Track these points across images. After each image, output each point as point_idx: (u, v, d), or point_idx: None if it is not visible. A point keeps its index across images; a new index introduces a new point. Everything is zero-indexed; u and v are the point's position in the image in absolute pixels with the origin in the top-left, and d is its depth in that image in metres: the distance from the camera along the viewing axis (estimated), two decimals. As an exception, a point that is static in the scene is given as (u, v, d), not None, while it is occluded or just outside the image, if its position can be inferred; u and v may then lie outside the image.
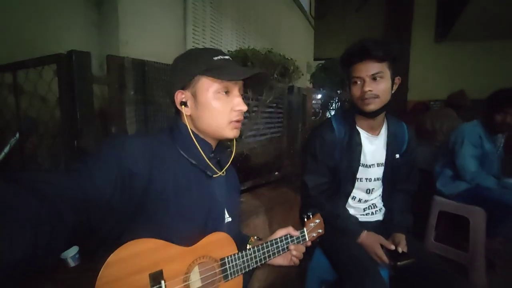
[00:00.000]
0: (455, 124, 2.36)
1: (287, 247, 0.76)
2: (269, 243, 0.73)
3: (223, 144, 0.75)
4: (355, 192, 1.12)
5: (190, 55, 0.67)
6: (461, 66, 4.55)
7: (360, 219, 1.13)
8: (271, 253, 0.73)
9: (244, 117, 1.86)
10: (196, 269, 0.59)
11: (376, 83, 0.97)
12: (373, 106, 0.99)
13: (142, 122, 1.05)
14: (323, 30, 5.30)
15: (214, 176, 0.68)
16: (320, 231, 0.85)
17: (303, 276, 1.22)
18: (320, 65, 2.79)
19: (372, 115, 1.02)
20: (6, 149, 1.24)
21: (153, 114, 1.07)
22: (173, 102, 0.66)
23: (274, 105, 2.11)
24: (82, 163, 0.50)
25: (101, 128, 1.13)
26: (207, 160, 0.66)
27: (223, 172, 0.71)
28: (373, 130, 1.09)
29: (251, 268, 0.68)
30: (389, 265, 0.96)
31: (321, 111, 2.75)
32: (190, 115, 0.66)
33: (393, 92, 1.03)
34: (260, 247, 0.71)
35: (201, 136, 0.68)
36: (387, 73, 0.98)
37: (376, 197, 1.16)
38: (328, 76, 2.67)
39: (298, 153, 2.00)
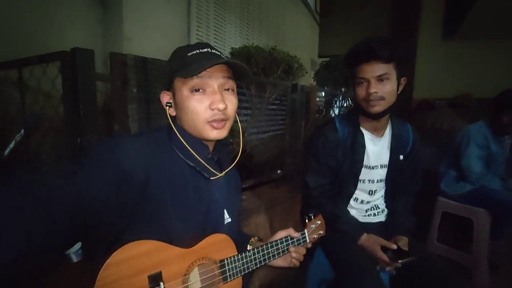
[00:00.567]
0: (456, 124, 2.33)
1: (287, 249, 0.76)
2: (269, 245, 0.73)
3: (222, 144, 0.72)
4: (357, 193, 1.12)
5: (172, 54, 0.65)
6: (468, 65, 4.47)
7: (362, 220, 1.13)
8: (271, 254, 0.72)
9: (247, 114, 1.86)
10: (195, 270, 0.59)
11: (382, 84, 0.95)
12: (378, 108, 0.97)
13: (145, 119, 1.05)
14: (328, 27, 5.24)
15: (212, 178, 0.66)
16: (321, 232, 0.85)
17: (303, 275, 1.23)
18: (324, 62, 2.76)
19: (377, 116, 1.01)
20: (12, 145, 1.25)
21: (155, 112, 1.07)
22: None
23: (278, 102, 2.10)
24: (78, 164, 0.49)
25: (104, 125, 1.14)
26: (203, 162, 0.64)
27: (222, 174, 0.69)
28: (377, 131, 1.08)
29: (250, 269, 0.68)
30: (390, 265, 0.95)
31: (324, 109, 2.73)
32: (175, 116, 0.65)
33: (398, 93, 1.01)
34: (260, 248, 0.71)
35: (194, 136, 0.65)
36: (393, 74, 0.96)
37: (378, 198, 1.15)
38: (332, 74, 2.64)
39: (301, 152, 1.99)
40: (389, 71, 0.95)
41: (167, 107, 0.64)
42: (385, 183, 1.13)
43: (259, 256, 0.70)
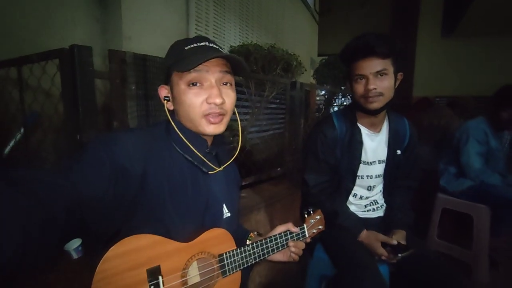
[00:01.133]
0: (453, 122, 2.34)
1: (286, 244, 0.76)
2: (268, 239, 0.73)
3: (221, 139, 0.72)
4: (356, 189, 1.12)
5: (170, 48, 0.65)
6: (468, 62, 4.47)
7: (361, 216, 1.13)
8: (270, 249, 0.73)
9: (247, 113, 1.87)
10: (194, 264, 0.59)
11: (380, 80, 0.95)
12: (377, 104, 0.97)
13: (144, 116, 1.06)
14: (327, 25, 5.23)
15: (210, 172, 0.66)
16: (320, 227, 0.85)
17: (304, 271, 1.23)
18: (324, 60, 2.76)
19: (375, 112, 1.01)
20: (12, 143, 1.26)
21: (154, 109, 1.08)
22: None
23: (277, 101, 2.10)
24: (74, 160, 0.49)
25: (103, 123, 1.14)
26: (201, 156, 0.64)
27: (219, 168, 0.69)
28: (375, 127, 1.08)
29: (249, 264, 0.68)
30: (390, 259, 0.96)
31: (324, 107, 2.73)
32: (173, 110, 0.65)
33: (395, 88, 1.01)
34: (259, 243, 0.71)
35: (193, 131, 0.64)
36: (391, 70, 0.96)
37: (377, 194, 1.15)
38: (332, 71, 2.64)
39: (300, 149, 2.00)
40: (387, 67, 0.94)
41: (165, 101, 0.64)
42: (383, 178, 1.13)
43: (258, 251, 0.70)
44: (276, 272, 1.59)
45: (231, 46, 2.06)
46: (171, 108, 0.64)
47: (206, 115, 0.60)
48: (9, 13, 1.33)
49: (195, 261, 0.59)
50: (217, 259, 0.63)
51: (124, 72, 1.00)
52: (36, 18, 1.42)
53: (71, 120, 0.90)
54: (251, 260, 0.68)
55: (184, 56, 0.59)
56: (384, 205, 1.17)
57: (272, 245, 0.73)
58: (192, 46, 0.61)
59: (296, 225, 0.80)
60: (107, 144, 0.52)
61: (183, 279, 0.57)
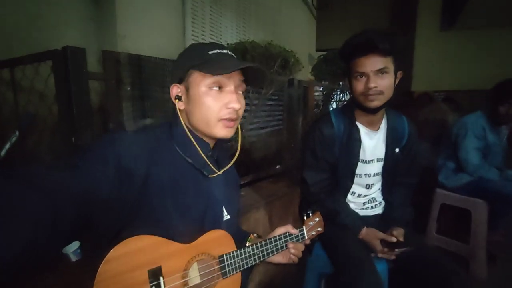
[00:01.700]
0: (448, 117, 2.33)
1: (286, 245, 0.76)
2: (267, 241, 0.73)
3: (222, 143, 0.73)
4: (355, 188, 1.12)
5: (189, 49, 0.66)
6: (467, 56, 4.44)
7: (359, 213, 1.13)
8: (269, 251, 0.73)
9: (244, 111, 1.85)
10: (194, 266, 0.59)
11: (381, 78, 0.93)
12: (377, 102, 0.96)
13: (139, 117, 1.05)
14: (325, 21, 5.18)
15: (210, 176, 0.67)
16: (319, 229, 0.86)
17: (303, 268, 1.23)
18: (322, 56, 2.73)
19: (374, 111, 1.00)
20: (7, 146, 1.25)
21: (150, 110, 1.07)
22: (169, 96, 0.65)
23: (275, 98, 2.08)
24: (80, 158, 0.50)
25: (99, 124, 1.13)
26: (205, 158, 0.65)
27: (219, 171, 0.69)
28: (373, 125, 1.07)
29: (249, 265, 0.68)
30: (388, 256, 0.96)
31: (323, 103, 2.71)
32: (184, 110, 0.65)
33: (395, 86, 1.00)
34: (258, 245, 0.71)
35: (198, 134, 0.66)
36: (391, 68, 0.94)
37: (375, 191, 1.15)
38: (330, 67, 2.62)
39: (299, 147, 1.99)
40: (388, 65, 0.93)
41: (176, 100, 0.64)
42: (382, 176, 1.13)
43: (257, 252, 0.70)
44: (275, 270, 1.60)
45: (227, 44, 2.03)
46: (182, 107, 0.64)
47: (223, 119, 0.62)
48: (1, 13, 1.31)
49: (196, 262, 0.60)
50: (217, 260, 0.63)
51: (118, 73, 0.99)
52: (27, 17, 1.40)
53: (66, 122, 0.89)
54: (251, 262, 0.68)
55: (210, 60, 0.61)
56: (383, 202, 1.17)
57: (271, 247, 0.74)
58: (215, 51, 0.62)
59: (295, 225, 0.80)
60: (113, 144, 0.53)
61: (184, 280, 0.57)
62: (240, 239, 0.76)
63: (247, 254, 0.68)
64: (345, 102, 2.76)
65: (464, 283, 0.88)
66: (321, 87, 2.75)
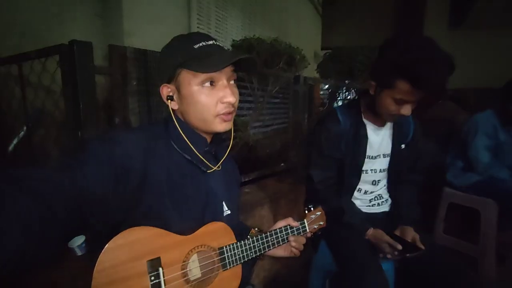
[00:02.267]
0: (459, 116, 2.29)
1: (287, 238, 0.76)
2: (268, 234, 0.73)
3: (220, 136, 0.71)
4: (361, 184, 1.10)
5: (171, 45, 0.62)
6: (475, 55, 4.36)
7: (366, 211, 1.12)
8: (270, 243, 0.72)
9: (250, 108, 1.85)
10: (194, 257, 0.59)
11: (415, 104, 0.90)
12: (396, 121, 0.97)
13: (145, 112, 1.05)
14: (331, 18, 5.13)
15: (208, 171, 0.66)
16: (321, 223, 0.84)
17: (308, 265, 1.23)
18: (328, 54, 2.71)
19: None
20: (15, 141, 1.27)
21: (156, 104, 1.07)
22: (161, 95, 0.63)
23: (280, 95, 2.07)
24: (74, 159, 0.49)
25: (105, 119, 1.14)
26: (200, 155, 0.64)
27: (218, 167, 0.69)
28: (379, 122, 1.06)
29: (249, 258, 0.68)
30: (397, 257, 0.94)
31: (328, 101, 2.69)
32: (178, 109, 0.63)
33: None
34: (259, 237, 0.71)
35: (194, 130, 0.65)
36: None
37: (381, 188, 1.14)
38: (336, 65, 2.60)
39: (304, 144, 1.98)
40: None
41: (169, 100, 0.62)
42: (388, 172, 1.11)
43: (258, 245, 0.70)
44: (280, 267, 1.59)
45: (233, 41, 2.03)
46: (176, 107, 0.63)
47: (220, 115, 0.61)
48: (9, 9, 1.33)
49: (195, 254, 0.59)
50: (217, 252, 0.63)
51: (125, 68, 0.99)
52: (36, 13, 1.42)
53: (72, 117, 0.90)
54: (251, 254, 0.68)
55: (198, 56, 0.58)
56: (389, 199, 1.15)
57: (272, 239, 0.73)
58: (201, 44, 0.59)
59: (299, 221, 0.80)
60: (108, 143, 0.53)
61: (183, 271, 0.57)
62: (241, 233, 0.75)
63: (247, 247, 0.68)
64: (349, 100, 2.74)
65: (473, 283, 0.86)
66: (327, 85, 2.73)
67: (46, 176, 0.43)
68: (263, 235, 0.72)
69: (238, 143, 1.68)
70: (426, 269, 0.93)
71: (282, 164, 1.95)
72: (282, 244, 0.75)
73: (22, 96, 1.08)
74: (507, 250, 1.77)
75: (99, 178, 0.48)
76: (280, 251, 0.77)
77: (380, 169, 1.09)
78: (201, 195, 0.65)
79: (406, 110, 0.88)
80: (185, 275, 0.57)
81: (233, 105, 0.62)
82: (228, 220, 0.69)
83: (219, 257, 0.63)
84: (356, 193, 1.12)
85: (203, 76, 0.58)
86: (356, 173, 1.08)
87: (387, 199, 1.15)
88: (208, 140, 0.67)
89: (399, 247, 0.89)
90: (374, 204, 1.13)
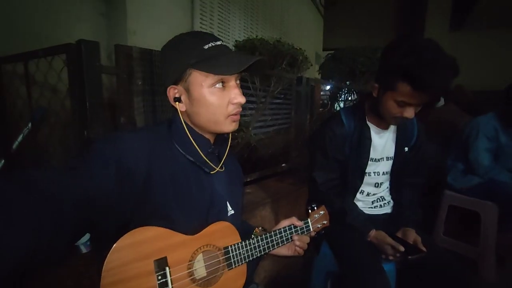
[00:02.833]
0: (460, 118, 2.29)
1: (291, 237, 0.76)
2: (272, 233, 0.74)
3: (223, 137, 0.72)
4: (364, 186, 1.11)
5: (179, 44, 0.60)
6: (477, 57, 4.37)
7: (368, 212, 1.12)
8: (274, 242, 0.73)
9: (252, 108, 1.86)
10: (200, 257, 0.60)
11: (418, 108, 0.90)
12: (399, 124, 0.98)
13: (150, 112, 1.05)
14: (332, 19, 5.14)
15: (212, 172, 0.66)
16: (325, 222, 0.85)
17: (309, 266, 1.23)
18: (329, 55, 2.72)
19: None
20: (20, 138, 1.27)
21: (161, 104, 1.07)
22: (167, 97, 0.63)
23: (282, 96, 2.08)
24: (80, 160, 0.49)
25: (110, 118, 1.14)
26: (204, 157, 0.64)
27: (221, 168, 0.69)
28: (383, 124, 1.06)
29: (254, 257, 0.68)
30: (399, 259, 0.95)
31: (329, 102, 2.70)
32: (185, 111, 0.62)
33: None
34: (263, 236, 0.71)
35: (198, 131, 0.65)
36: None
37: (384, 190, 1.14)
38: (338, 66, 2.60)
39: (306, 145, 1.99)
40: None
41: (176, 102, 0.61)
42: (390, 175, 1.12)
43: (262, 244, 0.71)
44: (281, 267, 1.60)
45: (236, 41, 2.04)
46: (184, 109, 0.62)
47: (230, 115, 0.61)
48: (14, 8, 1.33)
49: (201, 253, 0.60)
50: (223, 251, 0.63)
51: (130, 67, 1.00)
52: (41, 13, 1.42)
53: (78, 116, 0.90)
54: (256, 253, 0.69)
55: (212, 57, 0.57)
56: (391, 201, 1.16)
57: (276, 239, 0.74)
58: (210, 45, 0.58)
59: (302, 220, 0.80)
60: (113, 144, 0.53)
61: (189, 271, 0.58)
62: (245, 232, 0.76)
63: (252, 246, 0.68)
64: (352, 101, 2.74)
65: (473, 286, 0.87)
66: (328, 86, 2.74)
67: (53, 177, 0.43)
68: (268, 234, 0.73)
69: (240, 143, 1.68)
70: (427, 271, 0.93)
71: (283, 165, 1.96)
72: (286, 243, 0.76)
73: (27, 94, 1.09)
74: (507, 252, 1.78)
75: (105, 179, 0.48)
76: (284, 250, 0.78)
77: (383, 172, 1.10)
78: (205, 196, 0.65)
79: (409, 113, 0.88)
80: (191, 274, 0.58)
81: (241, 105, 0.62)
82: (232, 220, 0.69)
83: (225, 257, 0.63)
84: (358, 195, 1.12)
85: (215, 77, 0.58)
86: (359, 175, 1.08)
87: (389, 201, 1.16)
88: (211, 141, 0.68)
89: (402, 248, 0.90)
90: (376, 206, 1.14)
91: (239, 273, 0.66)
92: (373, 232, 1.01)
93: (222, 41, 0.62)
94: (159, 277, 0.53)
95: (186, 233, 0.59)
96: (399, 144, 1.08)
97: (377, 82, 0.96)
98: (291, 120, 2.06)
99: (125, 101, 1.01)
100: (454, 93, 2.59)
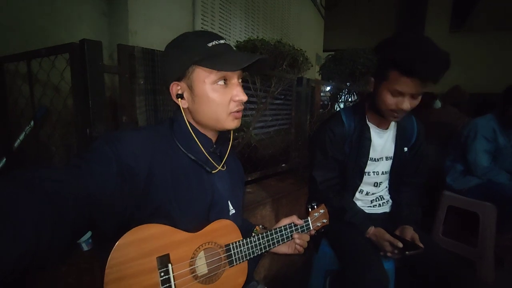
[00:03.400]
0: (457, 120, 2.31)
1: (291, 236, 0.77)
2: (273, 231, 0.74)
3: (225, 136, 0.72)
4: (363, 186, 1.12)
5: (183, 42, 0.61)
6: (477, 58, 4.38)
7: (367, 211, 1.13)
8: (275, 240, 0.74)
9: (252, 109, 1.86)
10: (201, 254, 0.61)
11: (414, 100, 0.90)
12: (398, 119, 0.97)
13: (152, 111, 1.06)
14: (333, 21, 5.16)
15: (213, 171, 0.67)
16: (324, 220, 0.86)
17: (308, 264, 1.24)
18: (330, 56, 2.73)
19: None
20: (21, 137, 1.28)
21: (163, 103, 1.08)
22: (169, 94, 0.63)
23: (282, 96, 2.09)
24: (81, 159, 0.49)
25: (112, 117, 1.15)
26: (207, 155, 0.64)
27: (223, 167, 0.69)
28: (383, 124, 1.07)
29: (255, 254, 0.69)
30: (396, 256, 0.96)
31: (329, 103, 2.71)
32: (187, 108, 0.63)
33: None
34: (264, 234, 0.72)
35: (201, 130, 0.65)
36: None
37: (383, 190, 1.15)
38: (338, 67, 2.62)
39: (306, 145, 2.00)
40: (425, 88, 0.88)
41: (179, 99, 0.61)
42: (390, 174, 1.13)
43: (263, 242, 0.71)
44: (280, 266, 1.61)
45: (237, 41, 2.05)
46: (186, 106, 0.62)
47: (232, 112, 0.62)
48: (16, 8, 1.34)
49: (203, 251, 0.61)
50: (224, 249, 0.64)
51: (132, 67, 1.01)
52: (43, 12, 1.43)
53: (81, 114, 0.91)
54: (257, 251, 0.70)
55: (216, 53, 0.58)
56: (390, 201, 1.17)
57: (277, 237, 0.75)
58: (214, 43, 0.59)
59: (302, 219, 0.81)
60: (114, 143, 0.52)
61: (191, 268, 0.58)
62: (246, 230, 0.77)
63: (253, 244, 0.69)
64: (352, 103, 2.76)
65: (472, 286, 0.87)
66: (329, 87, 2.75)
67: (54, 175, 0.43)
68: (268, 232, 0.73)
69: (240, 143, 1.69)
70: (426, 269, 0.94)
71: (284, 165, 1.97)
72: (287, 241, 0.77)
73: (30, 93, 1.09)
74: (506, 253, 1.79)
75: (107, 178, 0.49)
76: (284, 248, 0.78)
77: (383, 172, 1.11)
78: (207, 196, 0.65)
79: (404, 104, 0.89)
80: (193, 271, 0.59)
81: (243, 103, 0.63)
82: (233, 219, 0.70)
83: (226, 254, 0.64)
84: (357, 194, 1.13)
85: (218, 74, 0.59)
86: (358, 175, 1.09)
87: (388, 200, 1.17)
88: (213, 140, 0.68)
89: (400, 244, 0.91)
90: (375, 205, 1.15)
91: (240, 270, 0.67)
92: (372, 229, 1.02)
93: (226, 40, 0.63)
94: (162, 274, 0.54)
95: (188, 232, 0.59)
96: (398, 144, 1.09)
97: (373, 76, 0.99)
98: (291, 120, 2.06)
99: (127, 100, 1.02)
100: (451, 94, 2.61)
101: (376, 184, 1.12)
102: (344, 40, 5.17)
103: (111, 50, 1.60)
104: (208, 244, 0.62)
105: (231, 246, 0.65)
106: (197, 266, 0.59)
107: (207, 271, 0.61)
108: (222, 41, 0.61)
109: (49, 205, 0.39)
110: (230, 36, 2.46)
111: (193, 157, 0.63)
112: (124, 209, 0.53)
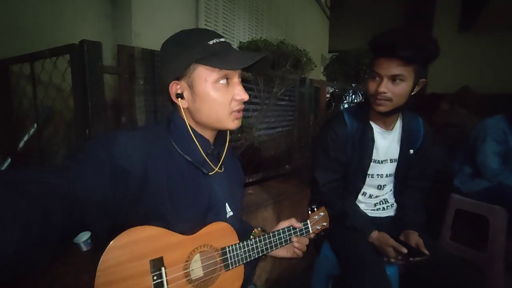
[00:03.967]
0: (466, 122, 2.25)
1: (290, 239, 0.75)
2: (271, 234, 0.73)
3: (223, 137, 0.71)
4: (366, 188, 1.09)
5: (182, 40, 0.59)
6: (485, 58, 4.29)
7: (370, 215, 1.10)
8: (272, 244, 0.72)
9: (255, 110, 1.85)
10: (197, 257, 0.59)
11: (393, 85, 0.89)
12: (383, 108, 0.93)
13: (151, 111, 1.06)
14: (338, 21, 5.12)
15: (210, 173, 0.65)
16: (324, 224, 0.84)
17: (310, 268, 1.22)
18: (335, 56, 2.71)
19: (383, 114, 0.98)
20: (25, 138, 1.29)
21: (162, 104, 1.08)
22: (168, 93, 0.61)
23: (286, 97, 2.07)
24: (73, 160, 0.48)
25: (112, 118, 1.16)
26: (204, 156, 0.63)
27: (220, 168, 0.68)
28: (387, 125, 1.04)
29: (252, 258, 0.67)
30: (401, 261, 0.93)
31: (334, 104, 2.68)
32: (187, 108, 0.61)
33: (413, 94, 0.95)
34: (261, 238, 0.71)
35: (199, 131, 0.63)
36: (411, 76, 0.88)
37: (387, 193, 1.12)
38: (343, 68, 2.59)
39: (309, 147, 1.97)
40: (405, 73, 0.87)
41: (179, 98, 0.59)
42: (394, 177, 1.10)
43: (260, 245, 0.70)
44: (282, 269, 1.59)
45: (240, 42, 2.04)
46: (186, 106, 0.60)
47: (233, 112, 0.61)
48: (20, 10, 1.36)
49: (198, 254, 0.59)
50: (220, 252, 0.63)
51: (132, 67, 1.01)
52: (47, 14, 1.45)
53: (81, 115, 0.91)
54: (254, 255, 0.68)
55: (217, 51, 0.57)
56: (395, 204, 1.14)
57: (275, 240, 0.73)
58: (214, 41, 0.58)
59: (299, 222, 0.79)
60: (107, 144, 0.51)
61: (185, 271, 0.57)
62: (244, 233, 0.75)
63: (250, 247, 0.67)
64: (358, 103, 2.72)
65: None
66: (333, 88, 2.72)
67: (44, 178, 0.42)
68: (266, 236, 0.72)
69: (243, 144, 1.68)
70: (431, 275, 0.91)
71: (286, 166, 1.95)
72: (285, 244, 0.75)
73: (33, 94, 1.11)
74: (515, 258, 1.73)
75: (99, 180, 0.47)
76: (282, 252, 0.77)
77: (387, 174, 1.08)
78: (204, 198, 0.64)
79: (382, 87, 0.89)
80: (187, 275, 0.57)
81: (243, 102, 0.62)
82: (231, 222, 0.68)
83: (222, 257, 0.62)
84: (360, 197, 1.11)
85: (221, 72, 0.57)
86: (360, 176, 1.06)
87: (392, 204, 1.13)
88: (211, 141, 0.66)
89: (404, 250, 0.88)
90: (379, 208, 1.12)
91: (236, 274, 0.65)
92: (375, 234, 0.99)
93: (226, 39, 0.62)
94: (155, 277, 0.53)
95: (184, 234, 0.58)
96: (404, 146, 1.06)
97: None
98: (294, 121, 2.05)
99: (126, 100, 1.02)
100: (460, 95, 2.56)
101: (380, 187, 1.10)
102: (350, 41, 5.12)
103: (115, 52, 1.61)
104: (204, 247, 0.60)
105: (227, 249, 0.63)
106: (191, 270, 0.58)
107: (202, 275, 0.59)
108: (222, 39, 0.60)
109: (36, 207, 0.38)
110: (233, 37, 2.46)
111: (189, 159, 0.61)
112: (117, 211, 0.52)
